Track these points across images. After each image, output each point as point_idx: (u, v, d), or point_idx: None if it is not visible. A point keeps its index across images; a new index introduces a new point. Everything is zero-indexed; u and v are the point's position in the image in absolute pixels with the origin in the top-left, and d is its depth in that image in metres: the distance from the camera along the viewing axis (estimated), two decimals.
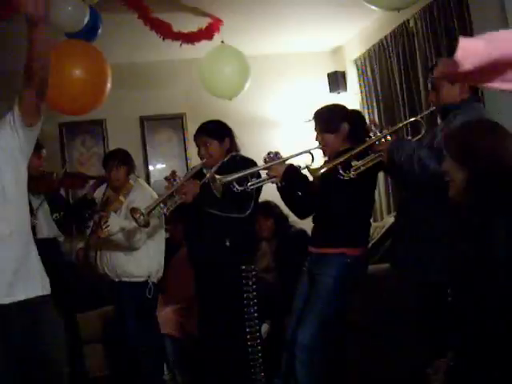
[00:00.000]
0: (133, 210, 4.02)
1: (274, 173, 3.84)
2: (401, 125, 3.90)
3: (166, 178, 4.16)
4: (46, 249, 3.30)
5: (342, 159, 3.60)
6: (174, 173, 4.19)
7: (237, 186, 3.81)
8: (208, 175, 4.09)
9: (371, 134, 3.61)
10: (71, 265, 5.40)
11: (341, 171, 3.56)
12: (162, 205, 4.09)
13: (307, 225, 4.47)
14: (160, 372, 4.86)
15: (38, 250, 2.88)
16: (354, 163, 3.57)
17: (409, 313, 3.85)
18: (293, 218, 4.93)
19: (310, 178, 3.89)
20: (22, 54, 2.49)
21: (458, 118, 3.28)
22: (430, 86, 3.70)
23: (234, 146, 4.40)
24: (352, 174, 3.55)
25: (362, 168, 3.59)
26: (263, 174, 4.03)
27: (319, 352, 3.81)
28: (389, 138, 3.56)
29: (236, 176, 3.81)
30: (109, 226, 4.42)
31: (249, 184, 3.86)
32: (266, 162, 3.90)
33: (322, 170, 3.63)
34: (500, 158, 2.25)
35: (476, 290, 2.20)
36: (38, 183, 3.64)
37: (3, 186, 2.66)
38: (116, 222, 4.47)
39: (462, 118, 3.18)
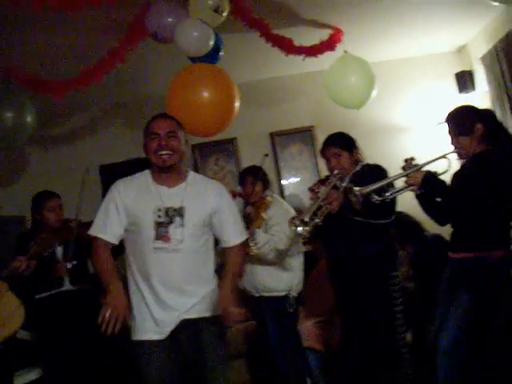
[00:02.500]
0: (292, 220, 3.96)
1: (413, 181, 3.81)
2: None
3: (310, 189, 4.16)
4: None
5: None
6: (317, 183, 4.20)
7: (376, 197, 3.80)
8: (342, 186, 4.10)
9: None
10: None
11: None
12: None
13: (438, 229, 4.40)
14: None
15: None
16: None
17: None
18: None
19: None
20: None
21: None
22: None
23: (359, 156, 4.41)
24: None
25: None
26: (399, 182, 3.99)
27: (460, 358, 3.73)
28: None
29: (375, 186, 3.80)
30: (257, 243, 4.49)
31: (387, 194, 3.84)
32: (404, 169, 3.88)
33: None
34: None
35: None
36: None
37: None
38: (262, 238, 4.55)
39: None
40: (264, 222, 4.70)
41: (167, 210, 3.33)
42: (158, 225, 3.31)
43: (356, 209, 3.86)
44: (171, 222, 3.32)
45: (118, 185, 3.47)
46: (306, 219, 3.92)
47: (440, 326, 3.83)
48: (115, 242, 3.44)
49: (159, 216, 3.32)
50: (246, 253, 4.41)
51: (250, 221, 4.68)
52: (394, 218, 4.21)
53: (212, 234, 3.55)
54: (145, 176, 3.50)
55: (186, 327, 3.32)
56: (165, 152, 3.35)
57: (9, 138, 5.66)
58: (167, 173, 3.42)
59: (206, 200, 3.44)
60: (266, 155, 4.85)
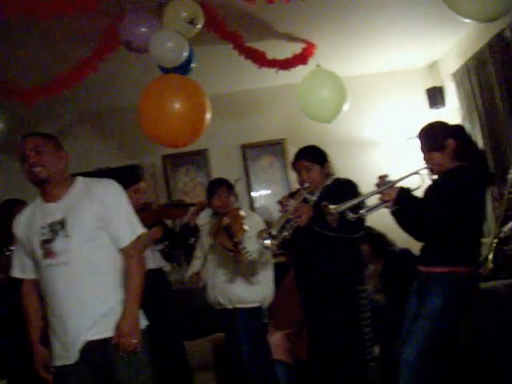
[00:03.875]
0: (259, 233, 4.00)
1: (387, 197, 3.80)
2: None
3: (280, 202, 4.16)
4: (152, 280, 3.39)
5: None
6: (286, 197, 4.21)
7: (351, 214, 3.78)
8: (312, 200, 4.12)
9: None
10: (180, 293, 5.48)
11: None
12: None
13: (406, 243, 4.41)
14: None
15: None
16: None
17: None
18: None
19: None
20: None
21: None
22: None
23: (330, 169, 4.42)
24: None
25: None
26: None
27: (422, 370, 3.71)
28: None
29: (350, 204, 3.78)
30: (248, 250, 4.47)
31: (362, 211, 3.83)
32: (378, 186, 3.87)
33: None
34: None
35: None
36: (140, 216, 3.70)
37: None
38: (252, 246, 4.50)
39: None
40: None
41: (51, 226, 3.20)
42: (44, 242, 3.18)
43: (326, 223, 3.86)
44: (56, 236, 3.17)
45: (14, 220, 3.41)
46: (274, 233, 3.93)
47: (406, 338, 3.85)
48: (24, 275, 3.39)
49: (43, 234, 3.19)
50: (238, 261, 4.43)
51: (231, 232, 4.62)
52: (363, 233, 4.23)
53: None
54: (36, 199, 3.39)
55: (94, 349, 3.12)
56: (36, 169, 3.21)
57: None
58: (48, 188, 3.29)
59: (87, 202, 3.24)
60: (238, 179, 4.86)
